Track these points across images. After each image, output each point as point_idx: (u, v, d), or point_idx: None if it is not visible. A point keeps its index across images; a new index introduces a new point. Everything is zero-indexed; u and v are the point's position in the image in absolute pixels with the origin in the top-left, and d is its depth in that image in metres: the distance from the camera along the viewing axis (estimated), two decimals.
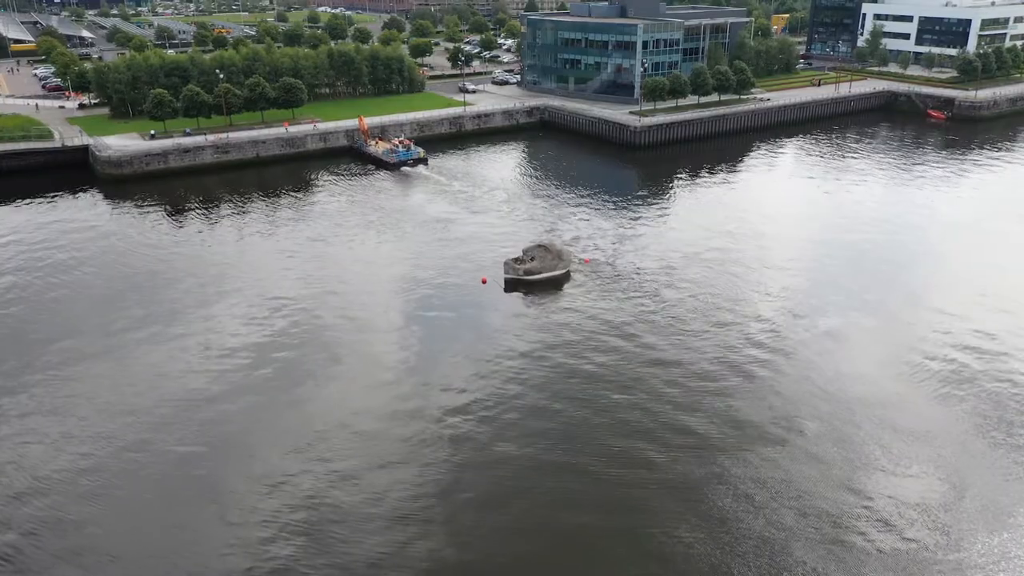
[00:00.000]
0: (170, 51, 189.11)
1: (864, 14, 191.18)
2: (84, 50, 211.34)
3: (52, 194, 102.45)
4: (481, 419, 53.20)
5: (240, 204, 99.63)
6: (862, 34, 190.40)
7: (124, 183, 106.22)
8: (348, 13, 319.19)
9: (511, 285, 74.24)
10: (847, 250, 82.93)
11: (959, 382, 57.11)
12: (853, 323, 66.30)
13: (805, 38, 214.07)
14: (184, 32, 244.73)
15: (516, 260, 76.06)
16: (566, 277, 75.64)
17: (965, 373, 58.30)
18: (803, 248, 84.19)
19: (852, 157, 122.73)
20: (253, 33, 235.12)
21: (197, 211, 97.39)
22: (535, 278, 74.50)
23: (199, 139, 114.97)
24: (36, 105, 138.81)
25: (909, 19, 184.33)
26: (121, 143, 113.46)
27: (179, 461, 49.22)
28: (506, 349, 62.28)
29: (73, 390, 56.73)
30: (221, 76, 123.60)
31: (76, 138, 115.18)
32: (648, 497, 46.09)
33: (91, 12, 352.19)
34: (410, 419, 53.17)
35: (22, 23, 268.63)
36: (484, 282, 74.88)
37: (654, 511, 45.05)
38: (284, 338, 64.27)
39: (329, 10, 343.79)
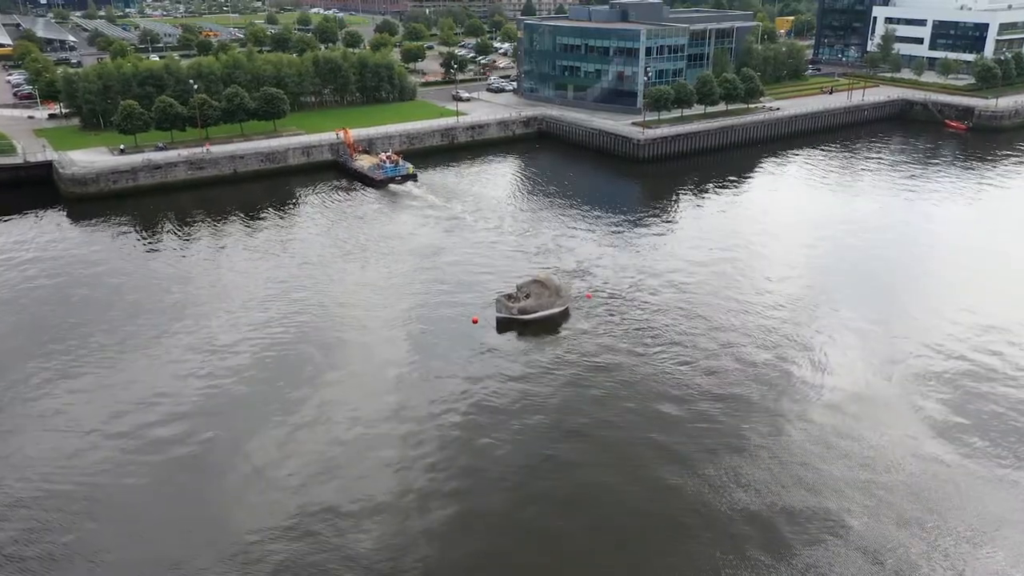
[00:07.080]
0: (153, 56, 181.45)
1: (875, 17, 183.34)
2: (64, 55, 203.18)
3: (9, 215, 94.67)
4: (454, 490, 45.84)
5: (213, 227, 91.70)
6: (873, 38, 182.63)
7: (89, 202, 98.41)
8: (340, 15, 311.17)
9: (504, 325, 66.64)
10: (870, 276, 75.49)
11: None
12: (882, 371, 58.79)
13: (812, 42, 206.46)
14: (170, 35, 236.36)
15: (509, 297, 68.40)
16: (565, 315, 68.04)
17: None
18: (823, 274, 76.29)
19: (869, 171, 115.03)
20: (241, 36, 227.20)
21: (166, 234, 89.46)
22: (530, 317, 66.84)
23: (171, 154, 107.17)
24: None
25: (923, 23, 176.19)
26: (88, 158, 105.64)
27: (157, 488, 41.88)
28: (494, 404, 54.64)
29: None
30: (195, 86, 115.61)
31: (40, 153, 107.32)
32: None
33: (77, 14, 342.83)
34: (384, 479, 45.79)
35: (3, 25, 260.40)
36: (475, 322, 67.26)
37: None
38: (257, 375, 57.66)
39: (321, 11, 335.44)
